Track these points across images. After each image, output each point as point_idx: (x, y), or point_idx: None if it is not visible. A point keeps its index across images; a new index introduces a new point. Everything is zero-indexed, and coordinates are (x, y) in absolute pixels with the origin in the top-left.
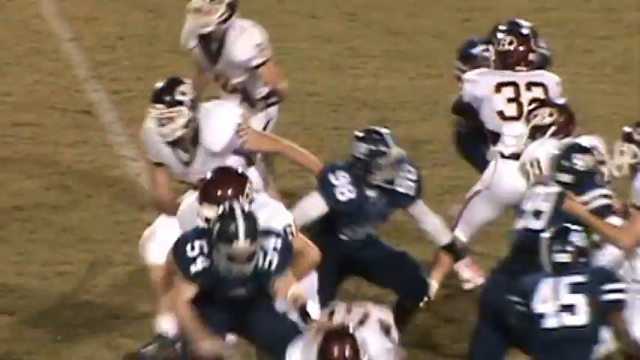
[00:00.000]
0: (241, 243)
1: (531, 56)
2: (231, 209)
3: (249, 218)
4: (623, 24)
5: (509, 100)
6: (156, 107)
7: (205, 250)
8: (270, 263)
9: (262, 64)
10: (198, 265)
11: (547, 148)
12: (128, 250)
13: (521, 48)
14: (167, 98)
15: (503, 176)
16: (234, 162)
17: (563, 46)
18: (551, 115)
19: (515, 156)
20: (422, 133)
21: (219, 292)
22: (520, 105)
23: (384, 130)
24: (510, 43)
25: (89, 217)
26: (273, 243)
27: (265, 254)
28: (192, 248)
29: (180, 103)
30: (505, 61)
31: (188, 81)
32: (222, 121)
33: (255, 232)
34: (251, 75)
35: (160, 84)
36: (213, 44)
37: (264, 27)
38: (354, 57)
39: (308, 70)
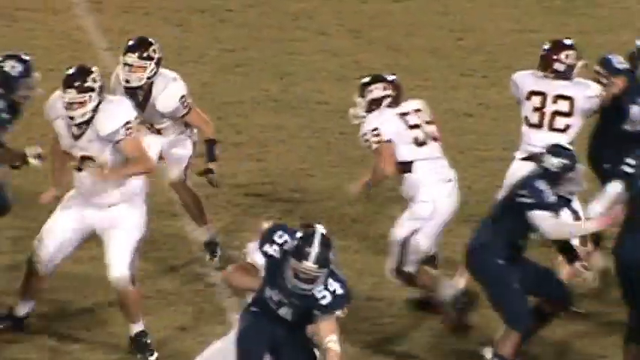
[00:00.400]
0: (309, 265)
1: None
2: (314, 233)
3: (327, 246)
4: (595, 46)
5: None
6: (67, 92)
7: (285, 247)
8: (323, 298)
9: (187, 113)
10: (272, 250)
11: (385, 117)
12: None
13: None
14: (78, 84)
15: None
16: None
17: None
18: (385, 89)
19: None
20: None
21: (271, 305)
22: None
23: (571, 147)
24: None
25: None
26: (335, 286)
27: (324, 289)
28: (280, 237)
29: (91, 89)
30: None
31: (95, 69)
32: (117, 112)
33: (326, 261)
34: (175, 121)
35: (71, 70)
36: (139, 95)
37: (279, 41)
38: (358, 69)
39: (317, 80)
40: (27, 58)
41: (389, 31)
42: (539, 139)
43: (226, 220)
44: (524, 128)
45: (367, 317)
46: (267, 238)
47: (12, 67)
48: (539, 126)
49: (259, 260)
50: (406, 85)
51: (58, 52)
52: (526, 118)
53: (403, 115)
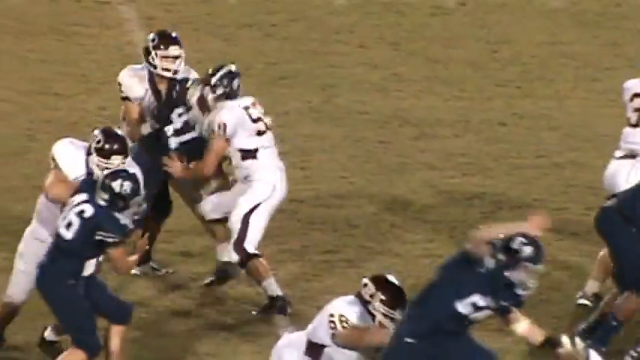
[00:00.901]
0: (541, 267)
1: None
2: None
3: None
4: (625, 57)
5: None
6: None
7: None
8: (520, 295)
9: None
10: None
11: (227, 109)
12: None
13: None
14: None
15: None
16: None
17: (574, 75)
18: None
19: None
20: (454, 146)
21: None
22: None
23: None
24: None
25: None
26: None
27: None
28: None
29: None
30: None
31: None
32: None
33: None
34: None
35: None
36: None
37: (322, 55)
38: (398, 81)
39: (359, 91)
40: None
41: (427, 44)
42: (638, 138)
43: (271, 225)
44: (625, 129)
45: None
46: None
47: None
48: (637, 125)
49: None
50: (443, 96)
51: (110, 65)
52: (628, 119)
53: (246, 108)
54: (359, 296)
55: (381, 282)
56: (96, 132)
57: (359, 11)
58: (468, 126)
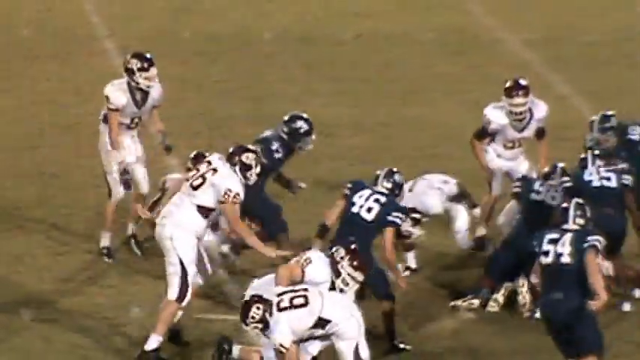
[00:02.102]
0: None
1: None
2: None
3: None
4: (482, 75)
5: None
6: None
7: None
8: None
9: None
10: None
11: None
12: None
13: None
14: None
15: None
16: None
17: (443, 89)
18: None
19: None
20: (352, 144)
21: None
22: None
23: None
24: None
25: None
26: None
27: None
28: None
29: None
30: None
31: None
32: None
33: None
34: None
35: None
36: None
37: (255, 74)
38: (311, 95)
39: (282, 102)
40: (308, 118)
41: (332, 67)
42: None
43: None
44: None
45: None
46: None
47: (299, 127)
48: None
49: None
50: (345, 104)
51: (97, 82)
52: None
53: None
54: (331, 257)
55: (350, 249)
56: None
57: (282, 42)
58: (363, 127)
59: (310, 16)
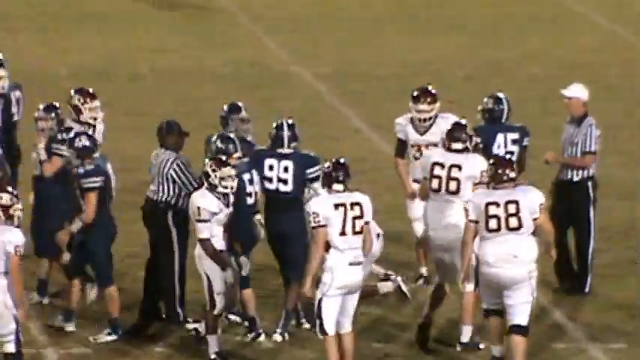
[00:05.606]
0: None
1: None
2: None
3: None
4: (270, 109)
5: None
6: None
7: None
8: None
9: None
10: None
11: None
12: None
13: None
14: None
15: None
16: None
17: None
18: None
19: None
20: None
21: None
22: None
23: None
24: None
25: None
26: None
27: None
28: None
29: None
30: None
31: None
32: None
33: None
34: None
35: None
36: None
37: None
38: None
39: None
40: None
41: (132, 101)
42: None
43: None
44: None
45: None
46: None
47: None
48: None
49: None
50: (146, 138)
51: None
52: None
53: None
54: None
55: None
56: None
57: (78, 78)
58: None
59: (106, 52)
